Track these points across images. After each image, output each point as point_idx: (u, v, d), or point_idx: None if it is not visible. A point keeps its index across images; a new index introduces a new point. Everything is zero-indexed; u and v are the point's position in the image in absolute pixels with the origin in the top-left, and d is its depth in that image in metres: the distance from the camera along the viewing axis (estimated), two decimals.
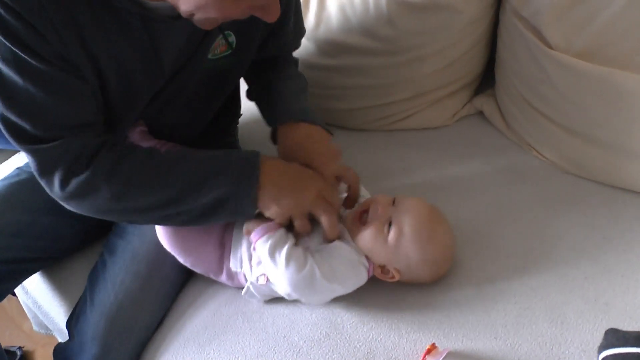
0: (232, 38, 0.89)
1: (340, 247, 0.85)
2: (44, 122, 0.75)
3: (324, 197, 0.85)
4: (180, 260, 0.94)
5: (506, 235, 0.98)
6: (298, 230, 0.86)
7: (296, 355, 0.83)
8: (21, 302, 1.27)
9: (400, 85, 1.22)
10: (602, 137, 1.02)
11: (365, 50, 1.18)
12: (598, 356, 0.70)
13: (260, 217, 0.86)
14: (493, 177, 1.11)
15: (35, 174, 0.79)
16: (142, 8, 0.75)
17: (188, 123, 1.01)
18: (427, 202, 0.89)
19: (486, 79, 1.29)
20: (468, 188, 1.09)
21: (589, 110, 1.02)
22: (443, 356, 0.76)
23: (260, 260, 0.86)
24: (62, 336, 1.11)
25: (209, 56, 0.89)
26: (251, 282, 0.89)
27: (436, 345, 0.79)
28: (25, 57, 0.70)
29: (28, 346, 1.60)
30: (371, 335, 0.84)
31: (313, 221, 0.87)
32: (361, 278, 0.86)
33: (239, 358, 0.85)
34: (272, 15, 0.70)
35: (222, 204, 0.82)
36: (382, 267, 0.86)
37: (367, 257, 0.86)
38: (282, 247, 0.82)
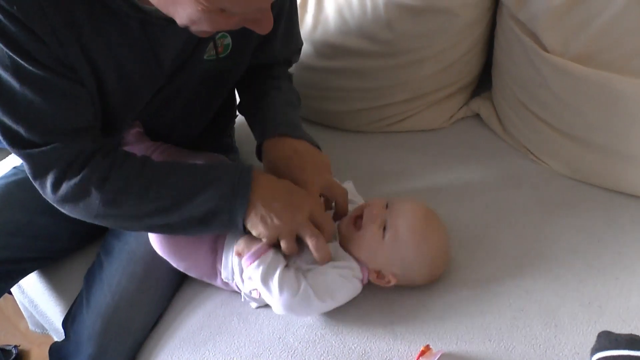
0: (228, 40, 0.90)
1: (333, 266, 0.84)
2: (40, 127, 0.75)
3: (314, 218, 0.83)
4: (174, 265, 0.94)
5: (501, 238, 0.98)
6: (285, 252, 0.84)
7: (291, 356, 0.83)
8: (17, 302, 1.27)
9: (398, 87, 1.23)
10: (599, 141, 1.03)
11: (363, 53, 1.18)
12: (591, 358, 0.71)
13: (250, 236, 0.84)
14: (489, 180, 1.11)
15: (30, 177, 0.79)
16: (140, 11, 0.75)
17: (186, 123, 1.01)
18: (422, 203, 0.90)
19: (483, 82, 1.30)
20: (464, 190, 1.09)
21: (586, 113, 1.02)
22: (437, 358, 0.76)
23: (251, 275, 0.86)
24: (58, 335, 1.11)
25: (205, 57, 0.89)
26: (245, 294, 0.89)
27: (430, 347, 0.79)
28: (24, 63, 0.70)
29: (24, 345, 1.60)
30: (366, 336, 0.84)
31: (301, 240, 0.86)
32: (355, 290, 0.86)
33: (234, 359, 0.85)
34: (264, 27, 0.71)
35: (213, 217, 0.81)
36: (378, 273, 0.86)
37: (361, 266, 0.85)
38: (274, 273, 0.80)
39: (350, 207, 0.92)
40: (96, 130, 0.82)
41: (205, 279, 0.94)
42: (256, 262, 0.81)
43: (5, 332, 1.64)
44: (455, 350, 0.81)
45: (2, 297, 1.01)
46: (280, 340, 0.86)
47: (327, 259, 0.84)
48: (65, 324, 0.99)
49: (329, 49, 1.21)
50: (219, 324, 0.90)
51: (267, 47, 0.99)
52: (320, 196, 0.89)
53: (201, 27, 0.70)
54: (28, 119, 0.74)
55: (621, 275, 0.89)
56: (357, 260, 0.85)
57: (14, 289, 1.20)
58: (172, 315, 0.97)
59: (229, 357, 0.85)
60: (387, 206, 0.88)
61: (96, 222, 0.83)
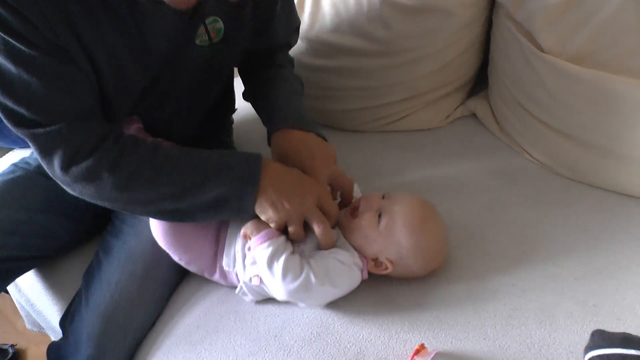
0: (220, 24, 0.89)
1: (334, 252, 0.85)
2: (41, 108, 0.76)
3: (321, 205, 0.86)
4: (175, 258, 0.94)
5: (497, 237, 0.98)
6: (291, 237, 0.86)
7: (287, 355, 0.84)
8: (14, 300, 1.27)
9: (395, 87, 1.23)
10: (594, 140, 1.03)
11: (360, 52, 1.18)
12: (584, 357, 0.71)
13: (258, 220, 0.86)
14: (485, 179, 1.11)
15: (37, 156, 0.80)
16: None
17: (184, 118, 1.01)
18: (418, 195, 0.91)
19: (480, 82, 1.30)
20: (460, 189, 1.10)
21: (581, 113, 1.02)
22: (431, 356, 0.76)
23: (254, 260, 0.87)
24: (56, 334, 1.11)
25: (197, 42, 0.89)
26: (244, 282, 0.89)
27: (425, 345, 0.79)
28: (17, 44, 0.71)
29: (21, 344, 1.60)
30: (361, 335, 0.84)
31: (307, 226, 0.87)
32: (355, 280, 0.87)
33: (230, 357, 0.85)
34: None
35: (223, 203, 0.82)
36: (375, 260, 0.87)
37: (360, 256, 0.87)
38: (280, 256, 0.82)
39: None
40: (100, 116, 0.83)
41: (205, 274, 0.95)
42: (266, 243, 0.83)
43: (2, 331, 1.64)
44: (450, 349, 0.81)
45: None
46: (277, 338, 0.86)
47: (331, 244, 0.86)
48: (63, 323, 0.99)
49: (326, 48, 1.21)
50: (215, 322, 0.91)
51: (269, 29, 0.99)
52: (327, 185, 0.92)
53: None
54: (28, 100, 0.75)
55: (616, 274, 0.90)
56: (356, 248, 0.87)
57: (10, 288, 1.20)
58: (169, 313, 0.97)
59: (225, 355, 0.86)
60: (383, 197, 0.89)
61: (105, 205, 0.83)
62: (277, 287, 0.83)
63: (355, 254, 0.87)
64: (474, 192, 1.09)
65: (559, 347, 0.80)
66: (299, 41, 1.21)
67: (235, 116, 1.22)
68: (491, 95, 1.24)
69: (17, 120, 0.76)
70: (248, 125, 1.30)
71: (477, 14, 1.16)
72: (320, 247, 0.87)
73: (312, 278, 0.81)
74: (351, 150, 1.24)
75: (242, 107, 1.26)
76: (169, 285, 1.00)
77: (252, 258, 0.87)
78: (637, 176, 1.01)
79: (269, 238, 0.83)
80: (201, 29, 0.88)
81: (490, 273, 0.92)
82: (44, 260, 1.07)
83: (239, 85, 1.11)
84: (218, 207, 0.83)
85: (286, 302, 0.90)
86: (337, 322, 0.86)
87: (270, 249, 0.82)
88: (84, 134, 0.78)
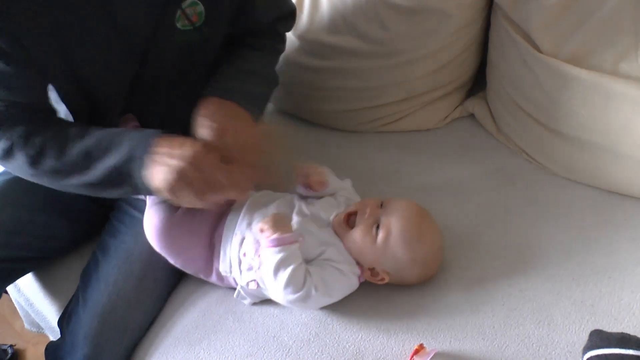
0: (200, 7, 0.89)
1: (336, 262, 0.85)
2: None
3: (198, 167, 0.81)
4: (171, 261, 0.94)
5: (495, 237, 0.98)
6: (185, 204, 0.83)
7: (285, 355, 0.84)
8: (13, 300, 1.28)
9: (393, 87, 1.23)
10: (591, 140, 1.03)
11: (358, 53, 1.19)
12: (583, 357, 0.71)
13: (279, 218, 0.86)
14: (483, 179, 1.12)
15: None
16: None
17: (179, 111, 0.99)
18: (416, 203, 0.90)
19: (477, 82, 1.30)
20: (458, 190, 1.10)
21: (578, 113, 1.03)
22: (430, 357, 0.76)
23: (251, 266, 0.87)
24: (54, 334, 1.11)
25: (180, 26, 0.89)
26: (241, 287, 0.89)
27: (424, 345, 0.80)
28: None
29: (19, 344, 1.60)
30: (360, 335, 0.85)
31: (307, 221, 0.87)
32: (352, 287, 0.87)
33: (229, 358, 0.85)
34: None
35: (119, 177, 0.82)
36: (372, 270, 0.87)
37: (357, 262, 0.87)
38: (288, 266, 0.81)
39: None
40: (39, 110, 0.87)
41: (201, 275, 0.95)
42: (279, 248, 0.82)
43: (0, 331, 1.64)
44: (448, 349, 0.81)
45: None
46: (275, 339, 0.86)
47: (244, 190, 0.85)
48: (60, 322, 0.99)
49: (324, 48, 1.21)
50: (213, 323, 0.91)
51: (247, 9, 0.97)
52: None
53: None
54: None
55: (614, 274, 0.90)
56: (352, 257, 0.87)
57: (9, 288, 1.20)
58: (167, 314, 0.97)
59: (223, 356, 0.86)
60: (381, 205, 0.88)
61: (36, 182, 0.87)
62: (277, 293, 0.83)
63: (353, 262, 0.87)
64: (471, 193, 1.09)
65: (557, 346, 0.80)
66: (297, 41, 1.21)
67: None
68: (489, 96, 1.24)
69: None
70: None
71: (474, 15, 1.16)
72: (322, 245, 0.86)
73: (313, 292, 0.82)
74: (349, 151, 1.24)
75: None
76: (167, 286, 1.00)
77: (249, 264, 0.87)
78: (634, 176, 1.01)
79: (283, 243, 0.82)
80: (180, 13, 0.88)
81: (488, 273, 0.92)
82: (44, 261, 1.07)
83: None
84: (115, 180, 0.83)
85: None
86: (335, 323, 0.87)
87: (280, 255, 0.82)
88: (9, 120, 0.83)
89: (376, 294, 0.89)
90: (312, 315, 0.88)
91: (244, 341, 0.87)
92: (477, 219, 1.03)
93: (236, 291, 0.91)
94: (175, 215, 0.93)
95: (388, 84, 1.22)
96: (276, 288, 0.82)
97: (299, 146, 1.25)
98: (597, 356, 0.69)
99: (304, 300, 0.82)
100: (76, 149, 0.83)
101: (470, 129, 1.26)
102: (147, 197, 0.98)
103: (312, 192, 0.94)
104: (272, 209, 0.90)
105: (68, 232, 1.06)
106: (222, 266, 0.91)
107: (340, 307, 0.88)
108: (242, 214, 0.92)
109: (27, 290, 1.15)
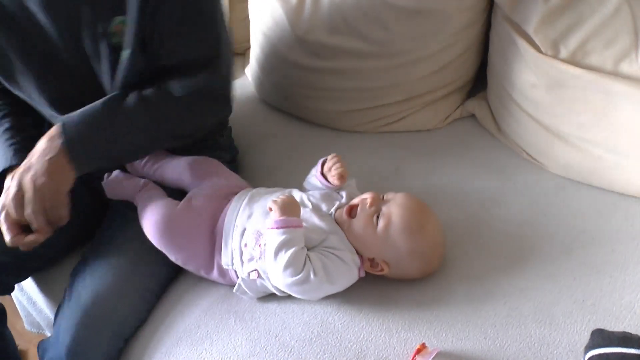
0: (124, 19, 0.88)
1: (338, 250, 0.86)
2: None
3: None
4: (172, 258, 0.94)
5: (496, 236, 0.99)
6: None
7: (288, 355, 0.84)
8: (15, 300, 1.28)
9: (393, 88, 1.23)
10: (591, 140, 1.04)
11: (359, 53, 1.19)
12: (584, 356, 0.71)
13: (290, 200, 0.86)
14: (484, 179, 1.12)
15: None
16: None
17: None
18: (417, 198, 0.91)
19: (478, 83, 1.30)
20: (459, 190, 1.10)
21: (578, 113, 1.03)
22: (433, 356, 0.77)
23: (252, 256, 0.87)
24: None
25: (113, 41, 0.90)
26: (242, 279, 0.90)
27: (426, 345, 0.80)
28: None
29: (21, 345, 1.59)
30: (362, 334, 0.85)
31: (309, 211, 0.88)
32: (353, 278, 0.87)
33: (231, 357, 0.86)
34: None
35: None
36: (371, 260, 0.87)
37: (358, 254, 0.87)
38: (290, 248, 0.82)
39: None
40: None
41: (203, 273, 0.95)
42: (283, 229, 0.83)
43: None
44: (450, 348, 0.82)
45: None
46: (277, 339, 0.86)
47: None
48: (54, 320, 1.00)
49: (325, 49, 1.21)
50: (216, 322, 0.91)
51: (150, 45, 0.91)
52: None
53: None
54: None
55: (614, 273, 0.90)
56: (353, 247, 0.87)
57: None
58: (164, 310, 0.97)
59: (225, 356, 0.86)
60: (383, 198, 0.89)
61: None
62: (277, 275, 0.84)
63: (354, 251, 0.87)
64: (471, 192, 1.09)
65: (558, 346, 0.80)
66: (298, 42, 1.21)
67: (234, 116, 1.21)
68: (490, 96, 1.25)
69: None
70: (247, 125, 1.30)
71: (475, 16, 1.17)
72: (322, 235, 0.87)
73: (312, 276, 0.82)
74: (349, 151, 1.23)
75: (242, 107, 1.27)
76: (159, 282, 1.00)
77: (250, 255, 0.87)
78: (634, 176, 1.01)
79: (288, 226, 0.83)
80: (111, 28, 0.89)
81: (489, 272, 0.92)
82: (44, 267, 1.08)
83: None
84: None
85: (286, 302, 0.90)
86: (337, 322, 0.87)
87: (283, 237, 0.82)
88: None
89: (378, 293, 0.89)
90: (314, 315, 0.88)
91: (246, 341, 0.87)
92: (477, 218, 1.03)
93: (236, 285, 0.91)
94: (176, 210, 0.93)
95: (389, 84, 1.22)
96: (276, 270, 0.83)
97: (299, 146, 1.25)
98: (599, 355, 0.69)
99: (302, 284, 0.83)
100: None
101: (471, 129, 1.26)
102: (138, 196, 0.99)
103: (327, 183, 0.94)
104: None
105: (68, 231, 1.05)
106: (224, 259, 0.91)
107: (342, 306, 0.88)
108: (242, 206, 0.93)
109: (29, 288, 1.16)
